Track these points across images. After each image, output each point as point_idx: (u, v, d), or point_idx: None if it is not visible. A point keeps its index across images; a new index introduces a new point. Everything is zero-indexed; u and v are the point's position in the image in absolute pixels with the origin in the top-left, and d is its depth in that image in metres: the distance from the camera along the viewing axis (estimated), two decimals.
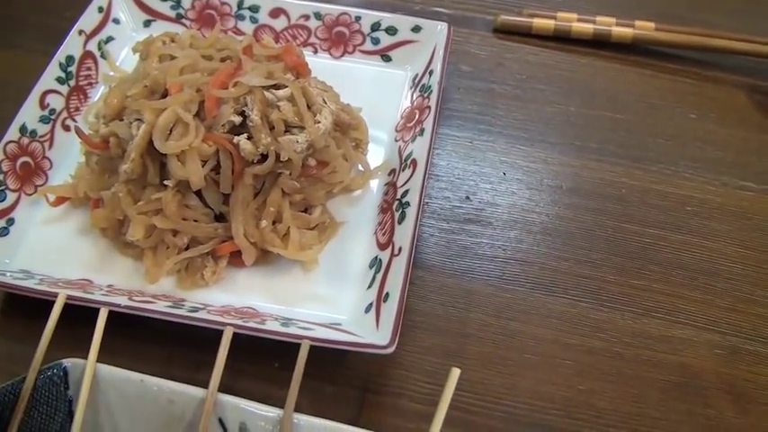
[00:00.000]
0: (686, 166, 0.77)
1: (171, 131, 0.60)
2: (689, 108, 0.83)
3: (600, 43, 0.88)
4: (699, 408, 0.60)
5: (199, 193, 0.62)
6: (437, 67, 0.75)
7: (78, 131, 0.65)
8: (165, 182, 0.61)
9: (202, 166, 0.60)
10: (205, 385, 0.51)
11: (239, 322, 0.55)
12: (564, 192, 0.73)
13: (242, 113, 0.62)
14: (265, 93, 0.62)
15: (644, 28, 0.89)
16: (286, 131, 0.62)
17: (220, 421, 0.51)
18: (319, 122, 0.63)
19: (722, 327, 0.65)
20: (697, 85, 0.86)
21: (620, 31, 0.88)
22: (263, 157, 0.61)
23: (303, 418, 0.50)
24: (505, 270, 0.67)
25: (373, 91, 0.78)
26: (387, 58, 0.81)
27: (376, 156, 0.73)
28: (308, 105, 0.63)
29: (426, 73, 0.76)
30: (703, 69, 0.88)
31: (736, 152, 0.79)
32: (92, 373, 0.51)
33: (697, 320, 0.65)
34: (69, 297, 0.56)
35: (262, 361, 0.58)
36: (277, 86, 0.63)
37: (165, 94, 0.63)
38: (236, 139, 0.61)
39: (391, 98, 0.78)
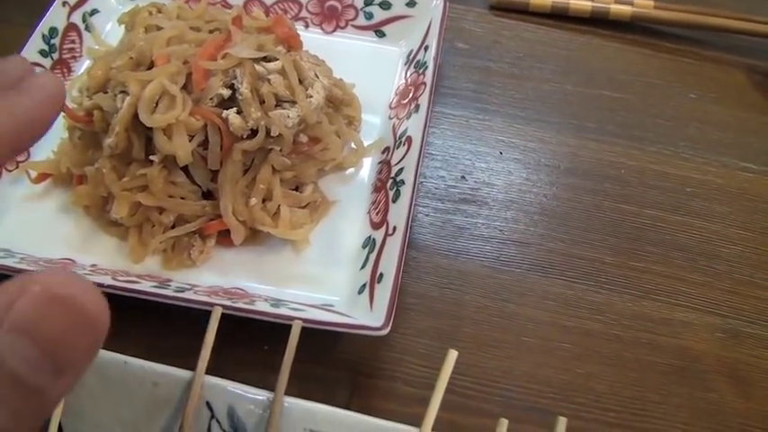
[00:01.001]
0: (686, 147, 0.75)
1: (157, 104, 0.58)
2: (688, 88, 0.82)
3: (598, 21, 0.87)
4: (699, 392, 0.58)
5: (186, 170, 0.60)
6: (432, 42, 0.73)
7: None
8: (151, 157, 0.59)
9: (189, 141, 0.58)
10: (192, 368, 0.49)
11: (228, 303, 0.53)
12: (561, 172, 0.72)
13: (231, 86, 0.60)
14: (255, 65, 0.60)
15: (643, 6, 0.87)
16: (277, 106, 0.60)
17: (208, 404, 0.49)
18: (311, 97, 0.61)
19: (723, 310, 0.64)
20: (696, 65, 0.85)
21: (618, 8, 0.86)
22: (253, 133, 0.59)
23: (294, 402, 0.48)
24: (502, 251, 0.65)
25: (366, 67, 0.76)
26: (380, 34, 0.79)
27: (369, 133, 0.71)
28: (299, 79, 0.61)
29: (421, 49, 0.74)
30: (702, 49, 0.86)
31: (736, 133, 0.78)
32: None
33: (697, 303, 0.64)
34: None
35: (251, 343, 0.56)
36: (267, 59, 0.61)
37: (151, 66, 0.60)
38: (224, 113, 0.58)
39: (385, 75, 0.75)
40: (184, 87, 0.59)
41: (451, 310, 0.61)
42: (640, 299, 0.63)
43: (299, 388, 0.49)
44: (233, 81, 0.59)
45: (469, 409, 0.55)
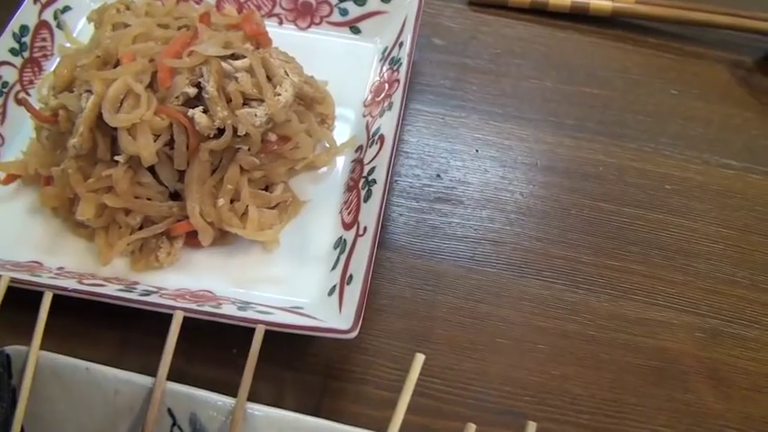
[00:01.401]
0: (666, 144, 0.75)
1: (122, 104, 0.57)
2: (670, 84, 0.81)
3: (578, 17, 0.86)
4: (678, 393, 0.58)
5: (152, 170, 0.59)
6: (407, 38, 0.71)
7: (25, 104, 0.61)
8: (116, 158, 0.57)
9: (155, 141, 0.57)
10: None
11: (194, 306, 0.52)
12: (539, 169, 0.71)
13: (197, 85, 0.58)
14: (222, 63, 0.59)
15: (623, 0, 0.85)
16: (244, 104, 0.58)
17: (170, 411, 0.47)
18: (279, 95, 0.59)
19: (702, 309, 0.63)
20: (678, 60, 0.84)
21: (598, 3, 0.85)
22: (220, 132, 0.58)
23: (258, 408, 0.47)
24: (476, 251, 0.64)
25: (341, 64, 0.75)
26: (355, 30, 0.78)
27: (343, 132, 0.69)
28: (268, 77, 0.60)
29: (396, 45, 0.73)
30: (685, 44, 0.85)
31: (718, 129, 0.77)
32: (35, 360, 0.48)
33: (676, 302, 0.63)
34: (13, 280, 0.52)
35: (219, 346, 0.55)
36: (235, 56, 0.60)
37: (117, 65, 0.59)
38: (190, 112, 0.57)
39: (360, 72, 0.74)
40: (150, 86, 0.58)
41: (424, 311, 0.60)
42: (618, 299, 0.62)
43: (269, 391, 0.48)
44: (199, 79, 0.58)
45: (441, 413, 0.54)
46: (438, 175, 0.69)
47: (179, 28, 0.63)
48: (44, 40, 0.73)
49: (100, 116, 0.57)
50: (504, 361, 0.58)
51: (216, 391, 0.48)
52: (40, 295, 0.51)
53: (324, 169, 0.67)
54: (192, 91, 0.58)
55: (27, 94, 0.69)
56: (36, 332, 0.49)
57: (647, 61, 0.83)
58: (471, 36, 0.82)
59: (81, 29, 0.76)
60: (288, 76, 0.62)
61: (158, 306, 0.52)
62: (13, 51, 0.69)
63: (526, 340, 0.59)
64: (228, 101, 0.58)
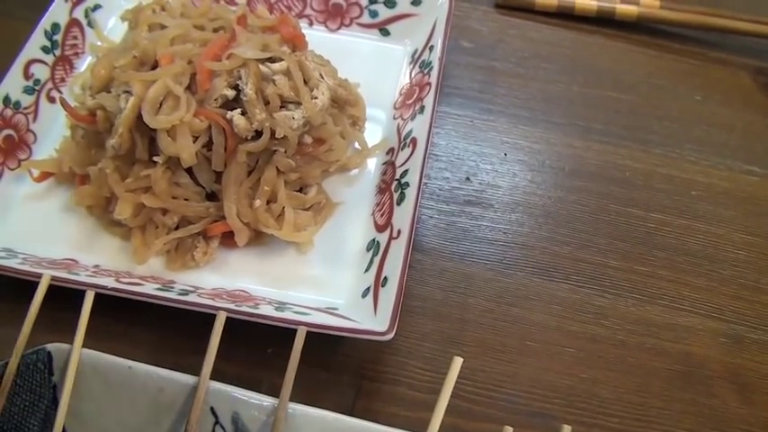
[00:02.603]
0: (691, 149, 0.75)
1: (161, 105, 0.57)
2: (694, 89, 0.81)
3: (604, 21, 0.86)
4: (703, 397, 0.58)
5: (190, 171, 0.60)
6: (438, 41, 0.72)
7: (63, 103, 0.62)
8: (155, 158, 0.58)
9: (194, 142, 0.57)
10: (195, 371, 0.48)
11: (232, 306, 0.53)
12: (567, 174, 0.71)
13: (235, 87, 0.59)
14: (260, 66, 0.59)
15: (649, 5, 0.86)
16: (282, 107, 0.59)
17: (212, 410, 0.48)
18: (316, 98, 0.60)
19: (727, 315, 0.63)
20: (702, 66, 0.84)
21: (624, 8, 0.86)
22: (258, 134, 0.59)
23: (298, 408, 0.48)
24: (506, 254, 0.65)
25: (371, 66, 0.75)
26: (385, 32, 0.78)
27: (373, 134, 0.70)
28: (304, 80, 0.60)
29: (426, 48, 0.74)
30: (708, 50, 0.86)
31: (741, 135, 0.78)
32: (77, 358, 0.49)
33: (701, 308, 0.63)
34: (54, 278, 0.53)
35: (254, 346, 0.56)
36: (272, 59, 0.60)
37: (154, 66, 0.60)
38: (229, 114, 0.58)
39: (389, 74, 0.75)
40: (188, 88, 0.59)
41: (456, 313, 0.61)
42: (645, 303, 0.63)
43: (303, 392, 0.48)
44: (237, 82, 0.59)
45: (473, 415, 0.55)
46: (467, 178, 0.70)
47: (214, 30, 0.64)
48: (75, 38, 0.74)
49: (139, 117, 0.57)
50: (534, 364, 0.58)
51: (252, 390, 0.49)
52: (72, 293, 0.52)
53: (355, 171, 0.68)
54: (231, 93, 0.59)
55: (59, 91, 0.70)
56: (78, 330, 0.49)
57: (672, 66, 0.84)
58: (499, 39, 0.83)
59: (111, 27, 0.77)
60: (323, 79, 0.62)
61: (200, 306, 0.53)
62: (44, 49, 0.70)
63: (556, 343, 0.60)
64: (266, 103, 0.59)
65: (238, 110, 0.58)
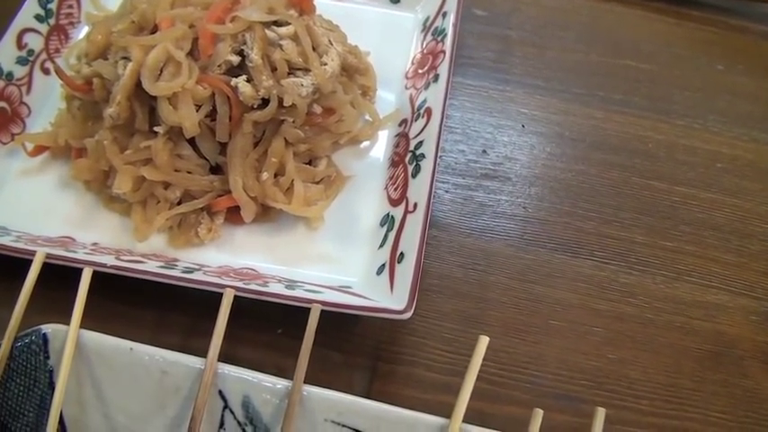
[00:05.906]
0: (715, 120, 0.72)
1: (161, 72, 0.54)
2: (715, 59, 0.78)
3: None
4: (735, 378, 0.56)
5: (192, 142, 0.56)
6: (452, 7, 0.69)
7: (58, 71, 0.59)
8: (155, 128, 0.55)
9: (196, 111, 0.54)
10: (200, 353, 0.45)
11: (240, 284, 0.50)
12: (587, 146, 0.68)
13: (240, 53, 0.56)
14: (266, 30, 0.56)
15: None
16: (289, 74, 0.56)
17: (221, 393, 0.45)
18: (326, 64, 0.57)
19: (757, 291, 0.61)
20: (722, 35, 0.81)
21: None
22: (264, 102, 0.55)
23: (313, 390, 0.45)
24: (526, 230, 0.62)
25: (380, 35, 0.72)
26: (395, 0, 0.75)
27: (384, 104, 0.67)
28: (312, 46, 0.57)
29: (439, 15, 0.70)
30: (729, 17, 0.83)
31: (766, 106, 0.74)
32: (75, 340, 0.46)
33: (731, 285, 0.61)
34: (49, 255, 0.50)
35: (263, 326, 0.53)
36: (279, 23, 0.57)
37: (154, 30, 0.56)
38: (233, 81, 0.55)
39: (400, 43, 0.72)
40: (190, 53, 0.56)
41: (476, 291, 0.58)
42: (673, 280, 0.60)
43: (315, 374, 0.45)
44: (242, 47, 0.56)
45: (498, 397, 0.52)
46: (484, 151, 0.67)
47: None
48: (70, 6, 0.71)
49: (138, 84, 0.54)
50: (560, 344, 0.56)
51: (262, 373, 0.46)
52: (70, 272, 0.49)
53: (366, 143, 0.64)
54: (236, 59, 0.55)
55: (53, 62, 0.66)
56: (76, 309, 0.46)
57: (692, 35, 0.81)
58: (513, 7, 0.80)
59: None
60: (332, 45, 0.59)
61: (206, 284, 0.50)
62: (38, 18, 0.67)
63: (582, 323, 0.57)
64: (273, 70, 0.55)
65: (243, 77, 0.55)
